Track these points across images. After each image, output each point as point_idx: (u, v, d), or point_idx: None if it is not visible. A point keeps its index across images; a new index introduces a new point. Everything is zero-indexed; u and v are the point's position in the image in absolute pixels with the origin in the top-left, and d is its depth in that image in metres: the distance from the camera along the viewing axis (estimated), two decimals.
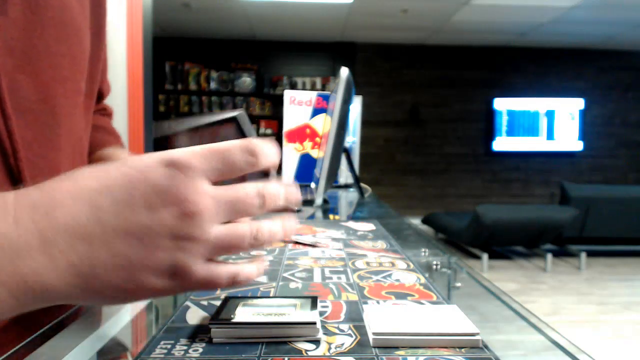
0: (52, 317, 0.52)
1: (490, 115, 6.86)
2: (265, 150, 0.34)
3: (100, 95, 0.73)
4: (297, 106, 1.86)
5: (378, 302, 0.50)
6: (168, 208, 0.31)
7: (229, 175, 0.33)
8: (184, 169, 0.31)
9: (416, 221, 6.22)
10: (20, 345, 0.43)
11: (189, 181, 0.31)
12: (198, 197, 0.31)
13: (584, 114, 6.85)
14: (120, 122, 2.65)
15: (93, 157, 0.69)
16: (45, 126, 0.48)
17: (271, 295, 0.52)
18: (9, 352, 0.41)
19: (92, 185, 0.31)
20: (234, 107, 6.75)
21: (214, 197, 0.32)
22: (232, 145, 0.33)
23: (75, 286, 0.30)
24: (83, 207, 0.30)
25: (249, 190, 0.33)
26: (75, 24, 0.52)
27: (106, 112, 0.81)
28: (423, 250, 0.77)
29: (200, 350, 0.38)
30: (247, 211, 0.34)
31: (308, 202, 1.32)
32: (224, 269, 0.34)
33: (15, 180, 0.45)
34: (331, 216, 1.17)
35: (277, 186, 0.35)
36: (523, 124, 6.84)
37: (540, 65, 6.90)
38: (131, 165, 0.31)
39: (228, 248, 0.33)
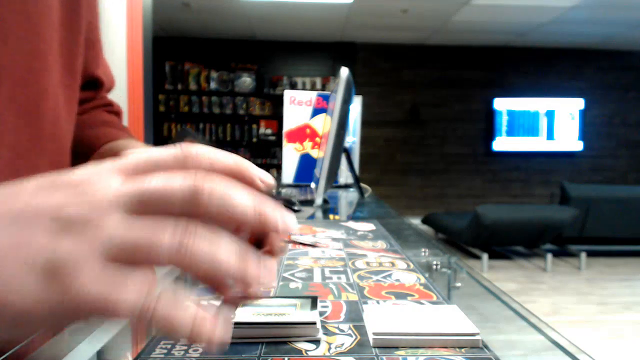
0: None
1: (490, 115, 6.86)
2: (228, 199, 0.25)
3: (98, 83, 0.68)
4: (297, 106, 1.86)
5: (378, 302, 0.50)
6: (59, 189, 0.24)
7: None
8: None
9: (416, 221, 6.22)
10: (20, 345, 0.43)
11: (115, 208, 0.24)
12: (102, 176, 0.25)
13: (584, 114, 6.85)
14: None
15: (101, 151, 0.64)
16: (29, 110, 0.45)
17: (271, 295, 0.52)
18: (9, 352, 0.41)
19: None
20: (234, 107, 6.75)
21: (122, 185, 0.25)
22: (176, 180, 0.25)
23: None
24: None
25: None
26: None
27: (113, 109, 0.73)
28: (423, 250, 0.77)
29: (200, 350, 0.38)
30: (167, 207, 0.24)
31: (308, 202, 1.32)
32: (143, 285, 0.23)
33: None
34: (331, 216, 1.17)
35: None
36: (523, 124, 6.84)
37: (540, 65, 6.90)
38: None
39: (132, 250, 0.23)
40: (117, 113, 0.74)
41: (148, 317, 0.23)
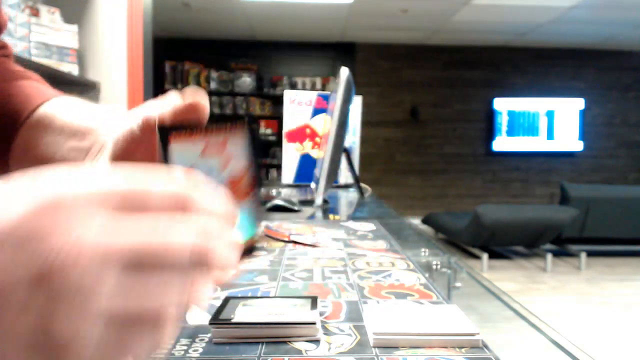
0: None
1: (490, 115, 6.86)
2: (204, 205, 0.23)
3: None
4: (297, 106, 1.86)
5: (378, 302, 0.50)
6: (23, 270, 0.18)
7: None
8: (71, 207, 0.19)
9: (416, 221, 6.22)
10: None
11: (74, 221, 0.18)
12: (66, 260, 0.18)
13: (584, 114, 6.85)
14: None
15: (36, 122, 0.45)
16: None
17: (271, 295, 0.53)
18: None
19: None
20: (234, 107, 6.75)
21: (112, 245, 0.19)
22: (157, 185, 0.22)
23: None
24: None
25: (175, 238, 0.21)
26: None
27: (7, 52, 0.55)
28: (423, 250, 0.77)
29: (200, 350, 0.38)
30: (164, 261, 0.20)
31: (308, 202, 1.32)
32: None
33: None
34: (331, 216, 1.17)
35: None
36: (523, 124, 6.84)
37: (540, 65, 6.90)
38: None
39: (138, 319, 0.20)
40: (9, 56, 0.56)
41: None
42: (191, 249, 0.21)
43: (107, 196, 0.20)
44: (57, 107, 0.45)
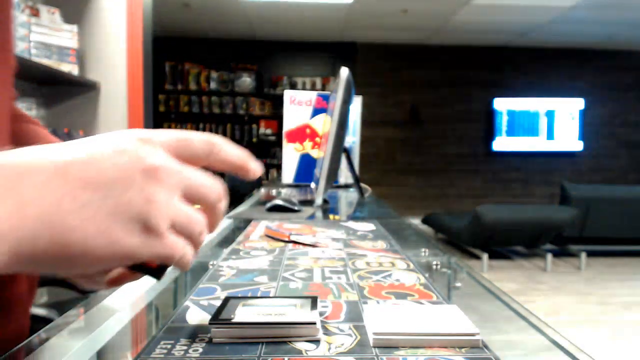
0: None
1: (490, 115, 6.86)
2: (225, 146, 0.37)
3: None
4: (297, 106, 1.86)
5: (378, 302, 0.50)
6: (133, 164, 0.31)
7: (188, 159, 0.35)
8: (147, 140, 0.33)
9: (416, 221, 6.22)
10: (21, 345, 0.43)
11: (151, 147, 0.33)
12: (159, 158, 0.33)
13: (584, 114, 6.85)
14: (120, 122, 2.65)
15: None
16: None
17: (271, 295, 0.52)
18: (9, 352, 0.41)
19: (56, 147, 0.31)
20: (234, 107, 6.75)
21: (178, 168, 0.34)
22: (195, 135, 0.36)
23: (46, 240, 0.28)
24: (49, 163, 0.29)
25: (206, 178, 0.36)
26: None
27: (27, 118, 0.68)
28: (423, 250, 0.77)
29: (200, 350, 0.38)
30: (201, 195, 0.35)
31: (308, 202, 1.32)
32: (181, 243, 0.34)
33: None
34: (331, 216, 1.17)
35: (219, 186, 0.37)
36: (523, 124, 6.84)
37: (540, 65, 6.90)
38: (97, 137, 0.33)
39: (187, 222, 0.34)
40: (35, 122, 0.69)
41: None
42: (217, 192, 0.37)
43: (169, 141, 0.35)
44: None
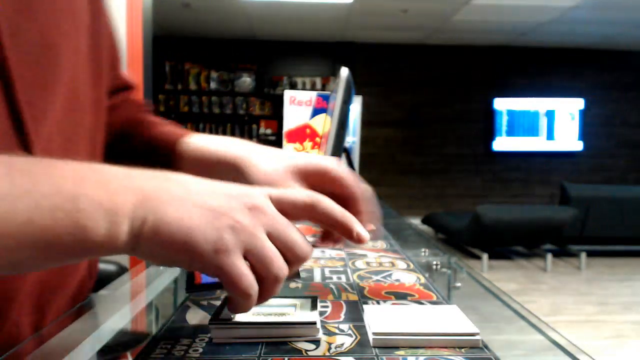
0: (52, 316, 0.52)
1: (490, 115, 6.85)
2: (326, 203, 0.41)
3: (124, 86, 0.71)
4: (297, 106, 1.86)
5: (378, 302, 0.50)
6: (242, 200, 0.37)
7: (291, 211, 0.39)
8: (264, 191, 0.39)
9: (416, 221, 6.22)
10: (21, 345, 0.43)
11: (263, 195, 0.38)
12: (262, 200, 0.37)
13: (584, 114, 6.85)
14: None
15: (188, 151, 0.60)
16: (46, 69, 0.47)
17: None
18: (9, 352, 0.41)
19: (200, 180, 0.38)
20: (234, 107, 6.75)
21: (274, 212, 0.37)
22: (300, 191, 0.41)
23: (150, 222, 0.34)
24: (183, 187, 0.37)
25: (302, 248, 0.38)
26: None
27: (149, 109, 0.74)
28: (423, 250, 0.77)
29: (200, 350, 0.38)
30: (285, 243, 0.37)
31: None
32: (251, 277, 0.35)
33: (17, 118, 0.43)
34: None
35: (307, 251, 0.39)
36: (523, 124, 6.84)
37: (540, 65, 6.90)
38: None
39: (262, 255, 0.35)
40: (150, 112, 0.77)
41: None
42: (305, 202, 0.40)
43: (276, 193, 0.39)
44: (199, 139, 0.60)
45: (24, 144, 0.43)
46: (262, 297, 0.36)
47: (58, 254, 0.33)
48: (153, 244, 0.34)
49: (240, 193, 0.37)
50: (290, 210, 0.39)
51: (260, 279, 0.35)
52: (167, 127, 0.66)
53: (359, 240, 0.41)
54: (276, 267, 0.35)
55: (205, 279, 0.41)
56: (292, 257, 0.37)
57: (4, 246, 0.30)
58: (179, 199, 0.35)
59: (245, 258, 0.35)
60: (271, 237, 0.36)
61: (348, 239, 0.41)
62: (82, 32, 0.54)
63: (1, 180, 0.30)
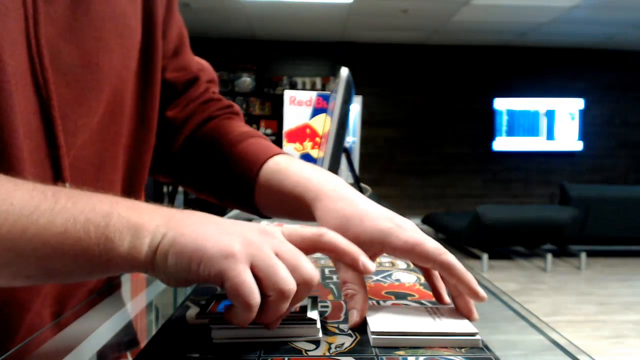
0: (53, 317, 0.52)
1: (490, 115, 6.85)
2: (331, 235, 0.43)
3: (195, 78, 0.67)
4: (297, 106, 1.86)
5: (378, 302, 0.50)
6: (256, 227, 0.40)
7: (300, 243, 0.41)
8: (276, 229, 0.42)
9: (416, 221, 6.15)
10: (21, 345, 0.43)
11: (276, 229, 0.41)
12: (274, 229, 0.40)
13: (584, 114, 6.85)
14: None
15: (270, 180, 0.57)
16: (86, 88, 0.49)
17: None
18: (9, 352, 0.41)
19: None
20: None
21: (283, 239, 0.40)
22: (307, 228, 0.43)
23: (169, 237, 0.36)
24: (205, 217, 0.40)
25: (308, 269, 0.38)
26: (120, 6, 0.53)
27: (234, 110, 0.69)
28: None
29: (200, 350, 0.38)
30: (290, 259, 0.38)
31: None
32: (254, 286, 0.35)
33: (51, 134, 0.46)
34: None
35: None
36: (523, 124, 6.84)
37: (540, 65, 6.90)
38: None
39: (267, 268, 0.36)
40: (238, 113, 0.70)
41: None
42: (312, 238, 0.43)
43: (286, 229, 0.42)
44: (282, 161, 0.58)
45: (53, 153, 0.47)
46: (267, 313, 0.36)
47: (87, 265, 0.36)
48: (167, 255, 0.35)
49: (256, 225, 0.40)
50: (299, 243, 0.40)
51: (264, 291, 0.35)
52: (252, 147, 0.60)
53: (365, 271, 0.42)
54: (281, 277, 0.35)
55: (221, 308, 0.41)
56: (298, 278, 0.37)
57: (42, 254, 0.34)
58: (199, 222, 0.38)
59: (253, 272, 0.35)
60: (278, 256, 0.37)
61: (354, 269, 0.43)
62: (132, 51, 0.56)
63: (48, 199, 0.35)
